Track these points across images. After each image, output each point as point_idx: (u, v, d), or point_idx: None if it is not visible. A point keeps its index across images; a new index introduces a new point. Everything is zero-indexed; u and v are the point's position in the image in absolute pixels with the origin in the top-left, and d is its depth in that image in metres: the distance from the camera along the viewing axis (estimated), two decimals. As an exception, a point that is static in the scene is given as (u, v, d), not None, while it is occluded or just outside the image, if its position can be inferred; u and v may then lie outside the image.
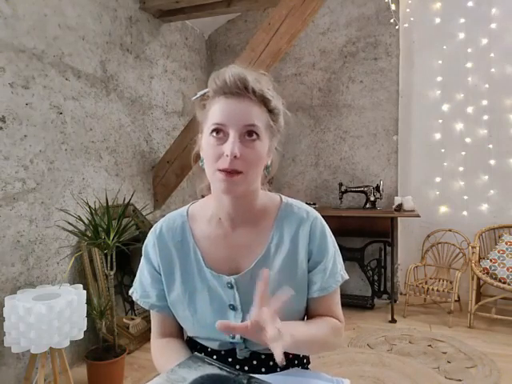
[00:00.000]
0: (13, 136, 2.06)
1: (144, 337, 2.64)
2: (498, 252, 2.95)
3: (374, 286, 3.38)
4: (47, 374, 2.10)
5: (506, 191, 3.20)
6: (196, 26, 3.81)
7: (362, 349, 2.56)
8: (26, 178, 2.13)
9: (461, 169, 3.33)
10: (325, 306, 0.89)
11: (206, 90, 0.84)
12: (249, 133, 0.78)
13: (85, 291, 1.96)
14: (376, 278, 3.40)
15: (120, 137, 2.86)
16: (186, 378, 0.73)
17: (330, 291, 0.88)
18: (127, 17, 2.92)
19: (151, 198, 3.23)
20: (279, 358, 0.64)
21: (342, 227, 3.07)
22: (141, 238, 2.77)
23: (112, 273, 2.16)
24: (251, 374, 0.77)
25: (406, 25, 3.39)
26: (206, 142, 0.81)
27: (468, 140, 3.30)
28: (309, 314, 0.92)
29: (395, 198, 3.24)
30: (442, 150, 3.38)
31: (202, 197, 0.97)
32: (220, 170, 0.77)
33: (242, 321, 0.84)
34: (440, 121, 3.38)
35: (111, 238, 2.12)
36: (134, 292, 0.94)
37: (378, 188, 3.24)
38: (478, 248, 3.04)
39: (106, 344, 2.23)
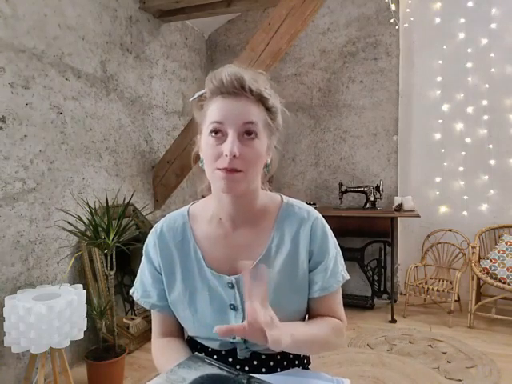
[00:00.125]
0: (13, 136, 2.06)
1: (144, 337, 2.64)
2: (498, 252, 2.95)
3: (374, 285, 3.38)
4: (47, 374, 2.10)
5: (506, 191, 3.20)
6: (196, 25, 3.81)
7: (362, 349, 2.56)
8: (26, 178, 2.13)
9: (461, 169, 3.33)
10: (326, 306, 0.89)
11: (203, 91, 0.84)
12: (247, 132, 0.78)
13: (85, 291, 1.96)
14: (376, 277, 3.40)
15: (120, 137, 2.86)
16: (186, 378, 0.73)
17: (331, 291, 0.88)
18: (127, 17, 2.92)
19: (151, 197, 3.23)
20: (272, 342, 0.67)
21: (342, 227, 3.07)
22: (141, 238, 2.77)
23: (112, 273, 2.16)
24: (251, 374, 0.77)
25: (406, 25, 3.39)
26: (205, 143, 0.81)
27: (468, 140, 3.30)
28: (310, 314, 0.92)
29: (395, 198, 3.24)
30: (442, 150, 3.38)
31: (203, 197, 0.97)
32: (220, 169, 0.77)
33: (242, 321, 0.84)
34: (440, 121, 3.38)
35: (111, 237, 2.12)
36: (135, 292, 0.94)
37: (378, 188, 3.24)
38: (477, 248, 3.04)
39: (105, 344, 2.23)
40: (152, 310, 0.93)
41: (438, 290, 2.97)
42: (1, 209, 2.00)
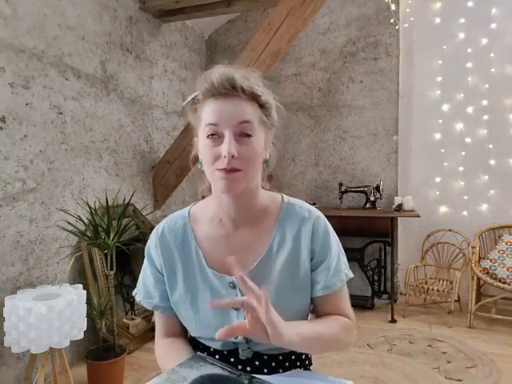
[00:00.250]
0: (13, 136, 2.06)
1: (144, 337, 2.64)
2: (498, 252, 2.95)
3: (374, 286, 3.38)
4: (47, 374, 2.10)
5: (506, 191, 3.20)
6: (196, 25, 3.81)
7: (362, 349, 2.56)
8: (26, 178, 2.13)
9: (461, 169, 3.33)
10: (332, 305, 0.89)
11: (195, 94, 0.84)
12: (243, 131, 0.78)
13: (85, 291, 1.96)
14: (376, 277, 3.40)
15: (120, 137, 2.86)
16: (187, 377, 0.73)
17: (335, 289, 0.87)
18: (127, 17, 2.92)
19: (151, 197, 3.23)
20: (273, 337, 0.68)
21: (342, 227, 3.05)
22: (141, 238, 2.77)
23: (112, 273, 2.15)
24: (253, 375, 0.77)
25: (406, 25, 3.39)
26: (202, 145, 0.81)
27: (468, 140, 3.30)
28: (317, 313, 0.91)
29: (395, 198, 3.24)
30: (442, 150, 3.38)
31: (203, 198, 0.98)
32: (219, 170, 0.78)
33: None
34: (440, 121, 3.38)
35: (111, 237, 2.12)
36: (138, 293, 0.95)
37: (378, 188, 3.24)
38: (477, 248, 3.04)
39: (105, 344, 2.23)
40: (155, 311, 0.94)
41: (438, 290, 2.97)
42: (1, 209, 2.00)
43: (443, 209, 3.40)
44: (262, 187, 0.92)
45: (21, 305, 1.69)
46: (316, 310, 0.91)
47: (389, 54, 3.43)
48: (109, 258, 2.14)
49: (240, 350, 0.87)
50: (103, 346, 2.19)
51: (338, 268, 0.89)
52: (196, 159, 0.88)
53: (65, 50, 2.37)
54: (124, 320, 2.57)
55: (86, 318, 1.92)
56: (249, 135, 0.78)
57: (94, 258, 2.48)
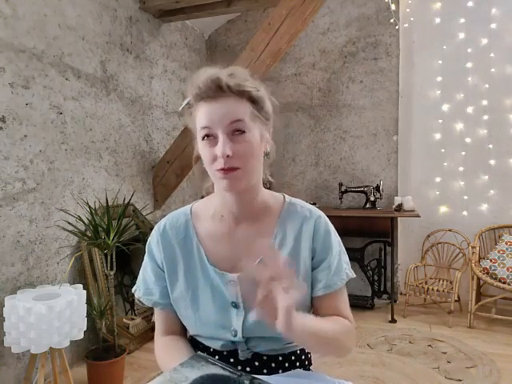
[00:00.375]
0: (13, 136, 2.06)
1: (144, 337, 2.64)
2: (498, 252, 2.95)
3: (374, 286, 3.39)
4: (47, 374, 2.10)
5: (506, 191, 3.20)
6: (196, 25, 3.81)
7: (362, 349, 2.56)
8: (26, 178, 2.13)
9: (461, 169, 3.33)
10: (331, 305, 0.88)
11: (187, 100, 0.86)
12: (236, 129, 0.79)
13: (85, 291, 1.96)
14: (376, 277, 3.41)
15: (120, 137, 2.86)
16: (189, 377, 0.74)
17: (335, 289, 0.88)
18: (127, 17, 2.92)
19: (151, 197, 3.23)
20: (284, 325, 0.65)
21: (342, 227, 3.01)
22: (141, 238, 2.77)
23: (112, 273, 2.16)
24: (254, 375, 0.77)
25: (406, 25, 3.39)
26: (200, 147, 0.83)
27: (468, 140, 3.30)
28: (316, 314, 0.91)
29: (395, 198, 3.24)
30: (442, 150, 3.38)
31: (202, 197, 0.98)
32: (218, 170, 0.79)
33: (244, 319, 0.84)
34: (440, 121, 3.38)
35: (111, 237, 2.12)
36: (137, 290, 0.94)
37: (378, 188, 3.24)
38: (477, 248, 3.04)
39: (105, 344, 2.23)
40: (155, 308, 0.94)
41: (438, 290, 2.97)
42: (1, 209, 2.00)
43: (443, 209, 3.40)
44: (265, 183, 0.92)
45: (21, 305, 1.69)
46: (316, 311, 0.91)
47: (389, 54, 3.43)
48: (109, 258, 2.15)
49: (239, 351, 0.87)
50: (103, 346, 2.19)
51: (339, 267, 0.89)
52: (198, 158, 0.89)
53: (65, 50, 2.37)
54: (124, 320, 2.57)
55: (85, 318, 1.92)
56: (242, 132, 0.79)
57: (94, 258, 2.48)
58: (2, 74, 2.01)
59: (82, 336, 1.88)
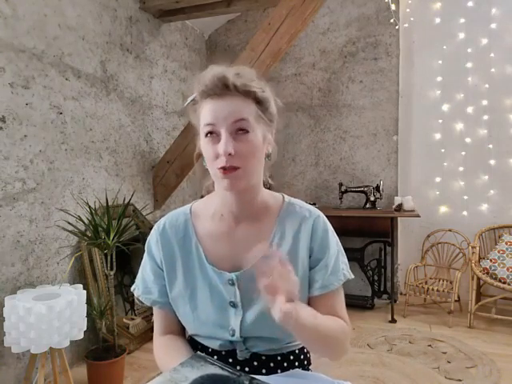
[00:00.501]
0: (13, 136, 2.06)
1: (144, 337, 2.64)
2: (498, 252, 2.95)
3: (374, 286, 3.38)
4: (47, 374, 2.10)
5: (506, 191, 3.20)
6: (196, 25, 3.81)
7: (362, 349, 2.56)
8: (26, 178, 2.13)
9: (461, 169, 3.33)
10: (328, 306, 0.88)
11: (193, 96, 0.85)
12: (239, 128, 0.79)
13: (85, 291, 1.96)
14: (376, 277, 3.40)
15: (120, 137, 2.86)
16: (189, 377, 0.74)
17: (332, 289, 0.87)
18: (127, 17, 2.92)
19: (151, 197, 3.23)
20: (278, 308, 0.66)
21: (342, 227, 3.03)
22: (141, 238, 2.77)
23: (112, 273, 2.16)
24: (253, 375, 0.77)
25: (406, 25, 3.39)
26: (202, 144, 0.83)
27: (468, 140, 3.30)
28: None
29: (395, 198, 3.24)
30: (442, 150, 3.38)
31: (202, 197, 0.98)
32: (219, 169, 0.79)
33: (242, 318, 0.84)
34: (440, 121, 3.38)
35: (111, 237, 2.12)
36: (136, 288, 0.95)
37: (378, 188, 3.24)
38: (477, 248, 3.04)
39: (105, 344, 2.23)
40: (153, 307, 0.94)
41: (438, 290, 2.97)
42: (1, 209, 2.00)
43: (443, 209, 3.40)
44: (266, 184, 0.93)
45: (21, 305, 1.69)
46: None
47: (389, 54, 3.43)
48: (109, 258, 2.15)
49: (238, 351, 0.87)
50: (103, 346, 2.19)
51: (337, 267, 0.89)
52: (199, 156, 0.89)
53: (65, 50, 2.37)
54: (124, 320, 2.57)
55: (85, 318, 1.92)
56: (246, 132, 0.79)
57: (94, 258, 2.48)
58: (2, 74, 2.01)
59: (81, 336, 1.88)
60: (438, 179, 3.41)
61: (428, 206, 3.40)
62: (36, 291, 1.92)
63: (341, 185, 3.37)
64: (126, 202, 2.38)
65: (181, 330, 0.95)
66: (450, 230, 3.29)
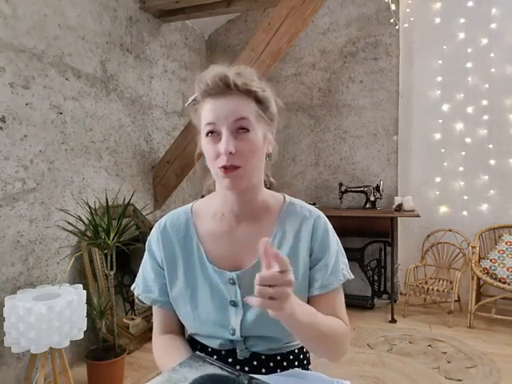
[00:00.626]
0: (13, 136, 2.06)
1: (144, 337, 2.64)
2: (498, 252, 2.95)
3: (374, 286, 3.38)
4: (47, 374, 2.10)
5: (506, 191, 3.20)
6: (196, 25, 3.81)
7: (362, 349, 2.55)
8: (26, 178, 2.13)
9: (461, 169, 3.33)
10: (327, 306, 0.87)
11: (194, 96, 0.86)
12: (240, 127, 0.79)
13: (85, 291, 1.96)
14: (376, 277, 3.40)
15: (120, 137, 2.86)
16: (188, 377, 0.74)
17: (332, 289, 0.87)
18: (127, 17, 2.92)
19: (151, 197, 3.23)
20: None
21: (342, 227, 3.02)
22: (141, 238, 2.77)
23: (112, 273, 2.16)
24: (252, 375, 0.77)
25: (406, 25, 3.39)
26: (203, 143, 0.84)
27: (468, 140, 3.30)
28: None
29: (395, 198, 3.24)
30: (442, 150, 3.38)
31: (202, 197, 0.99)
32: (220, 168, 0.79)
33: (242, 317, 0.85)
34: (440, 121, 3.38)
35: (111, 237, 2.12)
36: (136, 287, 0.95)
37: (378, 188, 3.24)
38: (477, 248, 3.04)
39: (105, 344, 2.23)
40: (153, 307, 0.94)
41: (438, 290, 2.97)
42: (1, 209, 2.00)
43: (443, 209, 3.40)
44: (267, 183, 0.93)
45: (21, 305, 1.69)
46: None
47: (389, 54, 3.43)
48: (109, 258, 2.15)
49: (238, 350, 0.87)
50: (103, 346, 2.19)
51: (336, 267, 0.89)
52: (200, 156, 0.90)
53: (65, 50, 2.37)
54: (124, 320, 2.58)
55: (85, 318, 1.92)
56: (246, 131, 0.80)
57: (94, 258, 2.48)
58: (2, 74, 2.01)
59: (81, 336, 1.88)
60: (438, 179, 3.41)
61: (428, 206, 3.40)
62: (36, 291, 1.92)
63: (341, 185, 3.37)
64: (126, 202, 2.38)
65: (180, 330, 0.95)
66: (450, 230, 3.29)
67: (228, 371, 0.76)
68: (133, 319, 2.62)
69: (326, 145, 3.67)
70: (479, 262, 3.01)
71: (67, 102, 2.39)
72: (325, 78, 3.64)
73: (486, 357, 2.40)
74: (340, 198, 3.37)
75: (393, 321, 3.00)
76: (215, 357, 0.89)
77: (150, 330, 2.80)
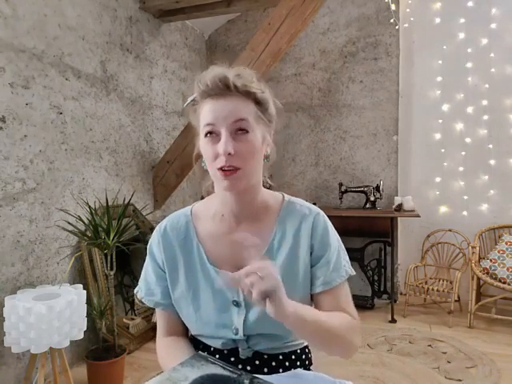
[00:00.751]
0: (13, 136, 2.06)
1: (144, 337, 2.64)
2: (498, 252, 2.95)
3: (374, 286, 3.39)
4: (47, 374, 2.10)
5: (506, 191, 3.20)
6: (196, 25, 3.81)
7: (362, 349, 2.55)
8: (26, 178, 2.13)
9: (461, 169, 3.33)
10: (332, 302, 0.87)
11: (193, 96, 0.86)
12: (239, 128, 0.80)
13: (85, 291, 1.96)
14: (376, 277, 3.41)
15: (120, 137, 2.86)
16: (189, 376, 0.74)
17: (335, 285, 0.87)
18: (127, 17, 2.92)
19: (151, 197, 3.23)
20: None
21: (342, 227, 3.01)
22: (141, 238, 2.77)
23: (112, 273, 2.15)
24: (254, 375, 0.78)
25: (406, 25, 3.39)
26: (202, 144, 0.84)
27: (468, 140, 3.30)
28: None
29: (395, 198, 3.24)
30: (442, 150, 3.38)
31: (202, 197, 0.99)
32: (219, 169, 0.79)
33: (245, 317, 0.85)
34: (440, 121, 3.38)
35: (111, 237, 2.12)
36: (139, 291, 0.95)
37: (378, 188, 3.24)
38: (477, 248, 3.04)
39: (105, 344, 2.23)
40: (156, 309, 0.94)
41: (438, 290, 2.97)
42: (1, 209, 2.00)
43: (443, 209, 3.40)
44: (265, 184, 0.93)
45: (21, 305, 1.69)
46: (315, 307, 0.90)
47: (389, 54, 3.43)
48: (109, 257, 2.14)
49: (240, 350, 0.87)
50: (103, 346, 2.19)
51: (339, 264, 0.89)
52: (198, 157, 0.90)
53: (65, 50, 2.37)
54: (124, 320, 2.57)
55: (85, 318, 1.92)
56: (245, 132, 0.80)
57: (94, 258, 2.48)
58: (2, 74, 2.01)
59: (81, 336, 1.88)
60: (438, 179, 3.41)
61: (428, 206, 3.41)
62: (36, 291, 1.92)
63: (341, 185, 3.37)
64: (126, 202, 2.38)
65: (184, 331, 0.96)
66: (450, 230, 3.29)
67: (230, 371, 0.76)
68: (133, 319, 2.62)
69: (326, 145, 3.67)
70: (479, 261, 3.01)
71: (67, 102, 2.39)
72: (325, 78, 3.64)
73: (486, 357, 2.40)
74: (340, 198, 3.37)
75: (393, 321, 3.00)
76: (217, 356, 0.89)
77: (150, 329, 2.79)
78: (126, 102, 2.91)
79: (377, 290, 3.40)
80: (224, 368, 0.77)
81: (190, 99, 0.87)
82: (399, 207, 3.07)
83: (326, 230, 0.90)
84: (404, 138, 3.46)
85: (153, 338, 2.55)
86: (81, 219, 2.23)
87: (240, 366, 0.87)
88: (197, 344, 0.94)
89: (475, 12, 3.22)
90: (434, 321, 3.02)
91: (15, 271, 2.06)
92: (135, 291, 0.96)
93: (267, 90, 0.86)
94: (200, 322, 0.88)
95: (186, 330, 0.96)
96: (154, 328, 0.97)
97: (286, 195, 0.96)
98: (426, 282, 3.15)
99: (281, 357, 0.89)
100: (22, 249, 2.10)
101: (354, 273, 0.92)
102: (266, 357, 0.88)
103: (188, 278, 0.89)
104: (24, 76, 2.12)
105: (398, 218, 3.30)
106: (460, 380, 2.15)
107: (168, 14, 3.23)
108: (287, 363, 0.90)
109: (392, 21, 3.27)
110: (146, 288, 0.94)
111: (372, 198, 3.28)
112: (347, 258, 0.93)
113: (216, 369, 0.77)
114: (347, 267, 0.91)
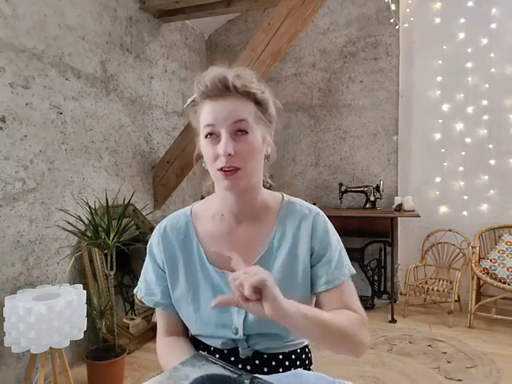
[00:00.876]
0: (13, 136, 2.06)
1: (144, 337, 2.64)
2: (498, 252, 2.95)
3: (374, 286, 3.38)
4: (47, 374, 2.10)
5: (506, 191, 3.20)
6: (196, 25, 3.81)
7: (362, 349, 2.55)
8: (26, 178, 2.13)
9: (461, 169, 3.33)
10: (337, 300, 0.87)
11: (193, 97, 0.86)
12: (239, 129, 0.80)
13: (85, 291, 1.96)
14: (376, 277, 3.41)
15: (120, 137, 2.86)
16: (189, 376, 0.74)
17: (338, 284, 0.87)
18: (127, 17, 2.92)
19: (151, 197, 3.23)
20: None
21: (342, 227, 3.01)
22: (141, 238, 2.77)
23: (112, 273, 2.15)
24: (255, 375, 0.78)
25: (406, 25, 3.39)
26: (202, 145, 0.84)
27: (468, 140, 3.30)
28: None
29: (395, 198, 3.24)
30: (442, 150, 3.38)
31: (202, 197, 0.99)
32: (219, 170, 0.79)
33: (245, 317, 0.85)
34: (440, 121, 3.38)
35: (111, 237, 2.12)
36: (139, 291, 0.95)
37: (378, 188, 3.24)
38: (477, 248, 3.04)
39: (105, 344, 2.23)
40: (157, 309, 0.94)
41: (438, 290, 2.97)
42: (1, 209, 2.00)
43: (443, 209, 3.40)
44: (265, 184, 0.93)
45: (21, 305, 1.69)
46: (320, 307, 0.88)
47: (389, 54, 3.43)
48: (109, 258, 2.14)
49: (240, 349, 0.87)
50: (103, 346, 2.19)
51: (341, 262, 0.89)
52: (199, 157, 0.90)
53: (65, 50, 2.37)
54: (124, 320, 2.57)
55: (85, 318, 1.92)
56: (245, 133, 0.80)
57: (94, 258, 2.48)
58: (2, 74, 2.01)
59: (82, 336, 1.88)
60: (438, 179, 3.41)
61: (428, 206, 3.41)
62: (36, 291, 1.92)
63: (341, 185, 3.37)
64: (126, 202, 2.38)
65: (184, 331, 0.96)
66: (450, 230, 3.29)
67: (230, 370, 0.76)
68: (133, 319, 2.62)
69: (326, 145, 3.67)
70: (479, 261, 3.01)
71: (67, 102, 2.39)
72: (325, 78, 3.64)
73: (486, 357, 2.40)
74: (340, 198, 3.37)
75: (393, 321, 3.01)
76: (217, 356, 0.89)
77: (150, 329, 2.79)
78: (125, 102, 2.91)
79: (377, 289, 3.40)
80: (224, 368, 0.77)
81: (189, 100, 0.87)
82: (399, 207, 3.08)
83: (326, 230, 0.90)
84: (404, 138, 3.46)
85: (153, 337, 2.55)
86: (81, 219, 2.23)
87: (240, 366, 0.87)
88: (197, 344, 0.94)
89: (475, 12, 3.22)
90: (433, 321, 3.02)
91: (15, 271, 2.06)
92: (135, 291, 0.96)
93: (267, 91, 0.86)
94: (200, 321, 0.88)
95: (186, 329, 0.96)
96: (154, 328, 0.97)
97: (285, 195, 0.96)
98: (426, 282, 3.15)
99: (281, 356, 0.89)
100: (22, 249, 2.10)
101: (354, 271, 0.93)
102: (265, 356, 0.88)
103: (188, 278, 0.89)
104: (24, 76, 2.12)
105: (398, 218, 3.30)
106: (460, 380, 2.15)
107: (168, 14, 3.23)
108: (287, 363, 0.90)
109: (392, 21, 3.27)
110: (146, 288, 0.94)
111: (372, 198, 3.28)
112: (347, 257, 0.93)
113: (217, 368, 0.77)
114: (349, 266, 0.91)
